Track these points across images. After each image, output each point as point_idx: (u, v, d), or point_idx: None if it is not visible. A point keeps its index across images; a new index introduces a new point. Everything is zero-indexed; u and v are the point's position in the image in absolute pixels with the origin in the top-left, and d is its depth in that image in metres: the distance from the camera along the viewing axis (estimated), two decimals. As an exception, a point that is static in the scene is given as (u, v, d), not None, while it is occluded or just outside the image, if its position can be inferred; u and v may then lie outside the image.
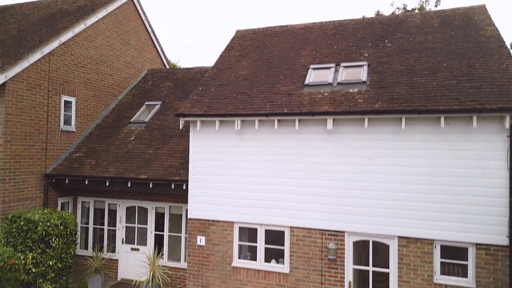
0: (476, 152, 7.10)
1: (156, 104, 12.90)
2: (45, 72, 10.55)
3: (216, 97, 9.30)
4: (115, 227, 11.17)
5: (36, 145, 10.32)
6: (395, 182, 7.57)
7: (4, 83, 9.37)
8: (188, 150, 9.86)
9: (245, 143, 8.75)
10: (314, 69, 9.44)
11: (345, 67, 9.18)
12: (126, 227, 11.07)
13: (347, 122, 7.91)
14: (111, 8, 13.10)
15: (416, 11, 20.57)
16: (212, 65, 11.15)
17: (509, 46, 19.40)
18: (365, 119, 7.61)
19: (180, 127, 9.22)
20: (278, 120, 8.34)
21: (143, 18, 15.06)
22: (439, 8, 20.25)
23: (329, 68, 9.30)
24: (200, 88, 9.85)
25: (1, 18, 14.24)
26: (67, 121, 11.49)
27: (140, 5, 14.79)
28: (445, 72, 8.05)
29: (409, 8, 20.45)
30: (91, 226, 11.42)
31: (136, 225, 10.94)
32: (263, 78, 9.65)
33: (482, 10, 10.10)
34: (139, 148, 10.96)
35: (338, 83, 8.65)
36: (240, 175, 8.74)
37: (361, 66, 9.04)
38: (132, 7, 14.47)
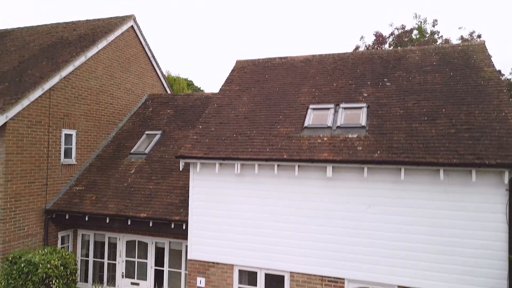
0: (475, 205, 7.13)
1: (156, 134, 12.93)
2: (45, 108, 10.59)
3: (216, 137, 9.33)
4: (115, 260, 11.17)
5: (36, 181, 10.35)
6: (394, 231, 7.59)
7: (5, 123, 9.40)
8: (188, 186, 9.89)
9: (245, 185, 8.78)
10: (313, 109, 9.47)
11: (345, 108, 9.21)
12: (126, 261, 11.08)
13: (347, 170, 7.93)
14: (111, 37, 13.15)
15: (415, 31, 20.65)
16: (217, 90, 11.18)
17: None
18: (365, 168, 7.64)
19: (180, 169, 9.25)
20: (278, 165, 8.37)
21: (143, 43, 15.11)
22: (436, 28, 20.33)
23: (328, 109, 9.34)
24: (200, 127, 9.88)
25: (2, 44, 14.30)
26: (67, 154, 11.52)
27: (140, 31, 14.84)
28: (444, 119, 8.08)
29: (408, 28, 20.52)
30: (91, 259, 11.43)
31: (136, 259, 10.95)
32: (263, 117, 9.68)
33: (481, 48, 10.14)
34: (139, 182, 10.99)
35: (338, 127, 8.67)
36: (240, 217, 8.76)
37: (360, 108, 9.07)
38: (132, 34, 14.52)
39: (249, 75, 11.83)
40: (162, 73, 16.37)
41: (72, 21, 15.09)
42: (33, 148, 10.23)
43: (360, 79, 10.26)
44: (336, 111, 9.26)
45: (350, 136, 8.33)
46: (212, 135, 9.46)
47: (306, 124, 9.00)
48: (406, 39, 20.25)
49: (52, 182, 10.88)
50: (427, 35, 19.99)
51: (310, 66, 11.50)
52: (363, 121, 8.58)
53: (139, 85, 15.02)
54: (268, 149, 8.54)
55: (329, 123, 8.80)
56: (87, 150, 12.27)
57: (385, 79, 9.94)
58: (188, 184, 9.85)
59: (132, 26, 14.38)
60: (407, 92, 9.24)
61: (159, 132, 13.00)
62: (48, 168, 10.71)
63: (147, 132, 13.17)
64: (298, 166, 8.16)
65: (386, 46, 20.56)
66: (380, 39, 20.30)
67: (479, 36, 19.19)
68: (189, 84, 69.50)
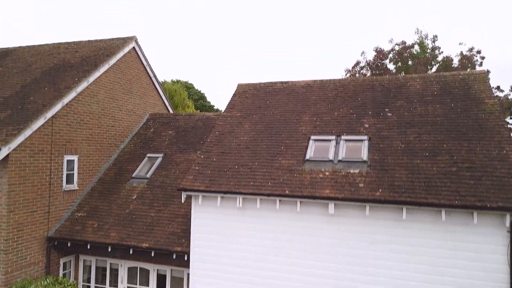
0: (476, 245, 7.15)
1: (158, 157, 12.97)
2: (48, 136, 10.62)
3: (218, 169, 9.36)
4: (117, 286, 11.19)
5: (38, 210, 10.37)
6: (395, 269, 7.61)
7: (8, 154, 9.44)
8: (189, 215, 9.92)
9: (247, 218, 8.81)
10: (315, 140, 9.51)
11: (346, 140, 9.25)
12: (128, 287, 11.09)
13: (349, 207, 7.96)
14: (113, 60, 13.19)
15: (416, 46, 20.70)
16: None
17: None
18: (367, 207, 7.67)
19: (182, 201, 9.28)
20: (280, 200, 8.40)
21: (145, 63, 15.16)
22: (437, 43, 20.40)
23: (329, 140, 9.37)
24: (202, 156, 9.91)
25: (3, 65, 14.35)
26: (69, 180, 11.55)
27: (141, 51, 14.89)
28: (445, 155, 8.11)
29: (408, 43, 20.57)
30: (92, 284, 11.44)
31: (138, 286, 10.96)
32: (264, 148, 9.72)
33: (482, 77, 10.17)
34: (141, 209, 11.01)
35: (339, 161, 8.71)
36: (241, 251, 8.78)
37: (361, 140, 9.11)
38: (134, 55, 14.58)
39: (250, 100, 11.88)
40: (163, 91, 16.43)
41: (74, 41, 15.15)
42: (35, 177, 10.26)
43: (361, 108, 10.30)
44: (337, 143, 9.29)
45: (351, 171, 8.36)
46: (214, 166, 9.49)
47: (307, 156, 9.04)
48: (406, 54, 20.29)
49: (54, 209, 10.91)
50: (428, 51, 20.05)
51: (311, 92, 11.54)
52: (364, 155, 8.61)
53: (141, 105, 15.07)
54: (270, 183, 8.57)
55: (331, 156, 8.84)
56: (89, 175, 12.30)
57: (386, 109, 9.98)
58: (190, 212, 9.88)
59: (133, 47, 14.43)
60: (408, 124, 9.27)
61: (161, 155, 13.03)
62: (50, 195, 10.74)
63: (148, 155, 13.21)
64: (300, 202, 8.19)
65: (387, 61, 20.63)
66: (380, 55, 20.35)
67: (478, 52, 19.24)
68: (189, 87, 69.40)
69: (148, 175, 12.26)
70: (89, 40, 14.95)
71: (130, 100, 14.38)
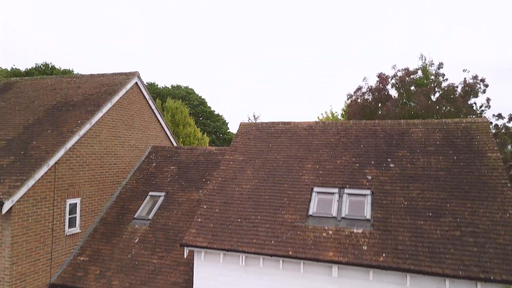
0: (481, 314, 7.14)
1: (160, 196, 12.97)
2: (50, 183, 10.63)
3: (221, 222, 9.36)
4: (119, 331, 11.17)
5: (41, 258, 10.37)
6: (400, 334, 7.60)
7: (11, 207, 9.44)
8: (192, 263, 9.90)
9: (250, 275, 8.80)
10: (318, 193, 9.51)
11: (349, 194, 9.26)
12: (130, 332, 11.08)
13: (352, 269, 7.96)
14: (116, 99, 13.22)
15: (419, 71, 20.71)
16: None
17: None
18: (370, 271, 7.67)
19: (185, 256, 9.28)
20: (283, 260, 8.39)
21: (147, 97, 15.19)
22: (442, 70, 20.41)
23: (332, 193, 9.39)
24: (204, 206, 9.91)
25: (6, 100, 14.37)
26: (72, 223, 11.55)
27: (143, 85, 14.92)
28: (449, 216, 8.12)
29: (411, 69, 20.60)
30: (94, 328, 11.42)
31: (140, 332, 10.94)
32: (267, 199, 9.72)
33: (484, 127, 10.19)
34: (143, 255, 11.00)
35: (342, 218, 8.72)
36: (244, 307, 8.77)
37: (364, 195, 9.12)
38: (136, 90, 14.60)
39: (252, 143, 11.89)
40: (165, 123, 16.45)
41: (76, 75, 15.19)
42: (38, 225, 10.27)
43: (363, 156, 10.31)
44: (340, 196, 9.30)
45: (355, 230, 8.36)
46: (217, 218, 9.49)
47: (310, 211, 9.04)
48: (409, 80, 20.31)
49: (57, 255, 10.91)
50: (432, 77, 20.10)
51: (314, 135, 11.55)
52: (367, 213, 8.62)
53: (143, 139, 15.09)
54: (273, 242, 8.57)
55: (334, 213, 8.84)
56: (91, 215, 12.30)
57: (389, 159, 9.99)
58: (192, 260, 9.87)
59: (136, 82, 14.46)
60: (411, 178, 9.28)
61: (163, 194, 13.03)
62: (52, 242, 10.74)
63: (150, 193, 13.21)
64: (303, 263, 8.19)
65: (389, 87, 20.65)
66: (383, 81, 20.38)
67: (482, 80, 19.31)
68: (190, 92, 69.32)
69: (150, 216, 12.26)
70: (91, 75, 14.99)
71: (132, 135, 14.40)
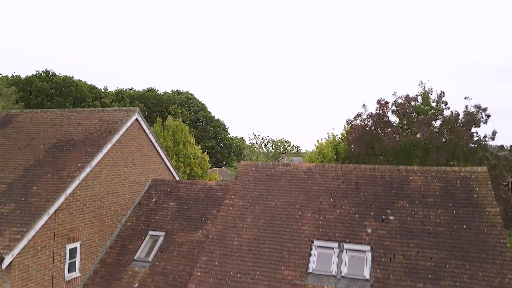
0: None
1: (160, 236, 12.98)
2: (50, 231, 10.66)
3: (220, 277, 9.38)
4: None
5: (41, 307, 10.38)
6: None
7: (11, 260, 9.46)
8: (192, 312, 9.93)
9: (249, 333, 8.81)
10: (317, 247, 9.54)
11: (349, 250, 9.28)
12: None
13: (351, 334, 7.98)
14: (116, 137, 13.25)
15: (419, 98, 20.78)
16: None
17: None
18: (369, 338, 7.69)
19: (185, 312, 9.29)
20: (282, 321, 8.42)
21: (147, 131, 15.23)
22: (444, 99, 20.51)
23: (332, 248, 9.41)
24: (204, 258, 9.94)
25: (6, 136, 14.40)
26: (72, 268, 11.55)
27: (143, 120, 14.96)
28: (448, 279, 8.13)
29: (411, 95, 20.69)
30: None
31: None
32: (267, 252, 9.74)
33: (484, 177, 10.21)
34: (143, 301, 11.02)
35: (342, 277, 8.74)
36: None
37: (364, 251, 9.14)
38: (136, 126, 14.64)
39: (252, 186, 11.92)
40: (166, 155, 16.49)
41: (77, 110, 15.23)
42: (38, 275, 10.28)
43: (363, 206, 10.34)
44: (340, 251, 9.32)
45: (354, 291, 8.38)
46: (216, 272, 9.51)
47: (310, 268, 9.06)
48: (409, 106, 20.36)
49: (56, 302, 10.92)
50: (434, 104, 20.19)
51: (313, 180, 11.58)
52: (367, 273, 8.64)
53: (143, 174, 15.12)
54: (272, 301, 8.59)
55: (334, 271, 8.86)
56: (91, 258, 12.31)
57: (388, 211, 10.02)
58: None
59: (136, 118, 14.50)
60: (411, 233, 9.30)
61: (163, 234, 13.04)
62: (52, 289, 10.76)
63: (150, 232, 13.22)
64: (303, 325, 8.21)
65: (389, 113, 20.72)
66: (382, 107, 20.45)
67: (484, 110, 19.38)
68: (190, 98, 69.40)
69: (149, 258, 12.27)
70: (91, 110, 15.03)
71: (132, 171, 14.43)
